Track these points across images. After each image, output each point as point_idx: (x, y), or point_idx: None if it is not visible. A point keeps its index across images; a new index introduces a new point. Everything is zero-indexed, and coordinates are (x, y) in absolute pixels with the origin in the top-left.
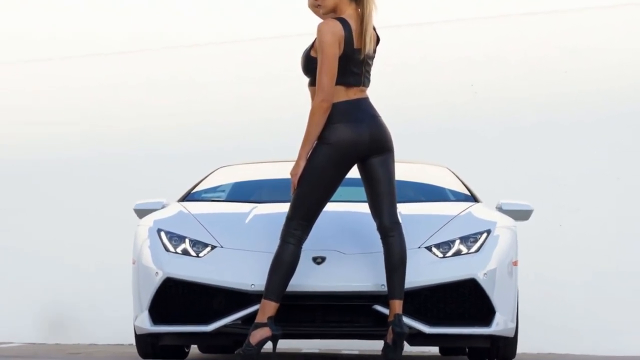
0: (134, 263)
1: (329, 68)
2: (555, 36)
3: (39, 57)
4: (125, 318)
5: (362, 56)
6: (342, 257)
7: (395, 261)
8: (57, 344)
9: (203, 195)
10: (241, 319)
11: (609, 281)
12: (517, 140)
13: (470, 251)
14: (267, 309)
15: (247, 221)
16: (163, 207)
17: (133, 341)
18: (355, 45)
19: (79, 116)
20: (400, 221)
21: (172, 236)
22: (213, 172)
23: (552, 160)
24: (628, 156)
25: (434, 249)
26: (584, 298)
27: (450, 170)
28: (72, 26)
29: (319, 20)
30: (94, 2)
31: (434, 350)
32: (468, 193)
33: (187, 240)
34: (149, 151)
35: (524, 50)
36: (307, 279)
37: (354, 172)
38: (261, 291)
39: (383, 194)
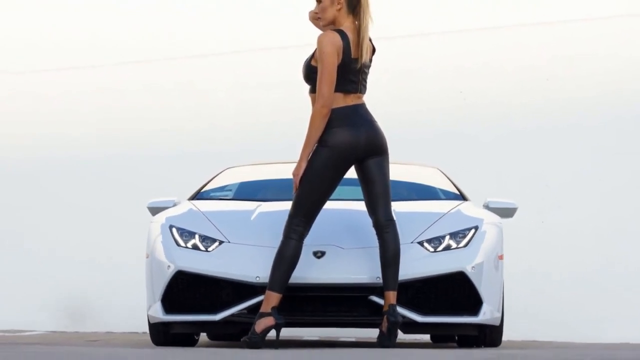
0: (147, 257)
1: (328, 76)
2: (539, 46)
3: (53, 66)
4: (139, 308)
5: (359, 65)
6: (341, 252)
7: (389, 255)
8: (76, 332)
9: (211, 194)
10: (247, 309)
11: (589, 274)
12: (505, 143)
13: (459, 246)
14: (271, 299)
15: (252, 218)
16: (174, 205)
17: (147, 329)
18: (353, 55)
19: (92, 120)
20: (395, 218)
21: (182, 232)
22: (221, 172)
23: (538, 162)
24: (610, 158)
25: (425, 244)
26: (565, 289)
27: (440, 171)
28: (83, 34)
29: (319, 31)
30: (101, 11)
31: (426, 337)
32: (457, 192)
33: (196, 236)
34: (157, 153)
35: (510, 60)
36: (308, 271)
37: (352, 173)
38: (265, 283)
39: (378, 193)
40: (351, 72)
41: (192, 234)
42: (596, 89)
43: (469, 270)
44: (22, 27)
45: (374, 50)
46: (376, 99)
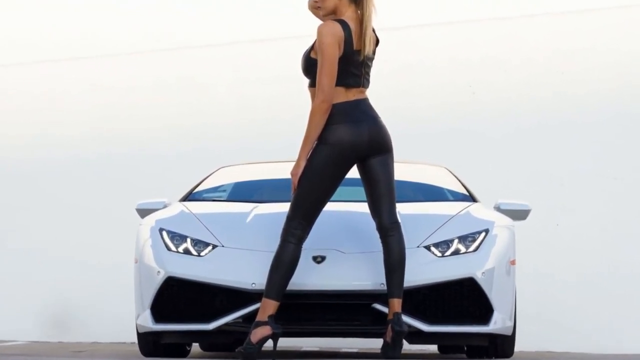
0: (136, 262)
1: (329, 69)
2: (552, 38)
3: (44, 59)
4: (127, 317)
5: (361, 57)
6: (342, 256)
7: (394, 260)
8: (60, 342)
9: (204, 195)
10: (242, 317)
11: (606, 280)
12: (515, 140)
13: (469, 250)
14: (268, 307)
15: (247, 221)
16: (165, 206)
17: (135, 339)
18: (355, 47)
19: (83, 117)
20: (400, 221)
21: (173, 235)
22: (214, 172)
23: (550, 160)
24: (624, 156)
25: (432, 248)
26: (581, 297)
27: (448, 171)
28: (77, 28)
29: (319, 22)
30: (98, 4)
31: (433, 348)
32: (466, 193)
33: (188, 240)
34: (151, 151)
35: (521, 52)
36: (307, 277)
37: (354, 172)
38: (262, 290)
39: (382, 194)
40: (353, 65)
41: (183, 238)
42: (611, 83)
43: (479, 276)
44: (19, 23)
45: (377, 42)
46: (379, 93)
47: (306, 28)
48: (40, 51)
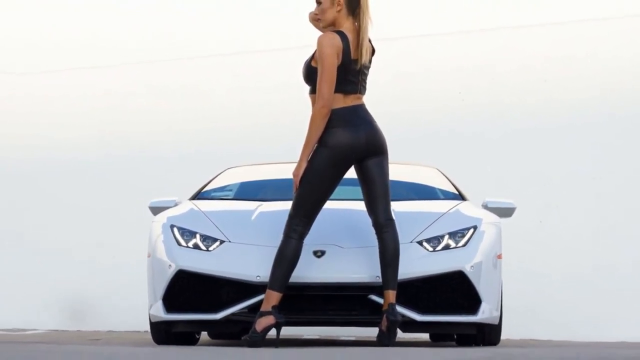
0: (149, 256)
1: (328, 77)
2: (537, 47)
3: (52, 67)
4: (140, 307)
5: (358, 66)
6: (341, 251)
7: (389, 255)
8: (78, 330)
9: (212, 194)
10: (247, 307)
11: (586, 273)
12: (503, 143)
13: (458, 245)
14: (272, 298)
15: (253, 218)
16: (175, 205)
17: (148, 328)
18: (353, 56)
19: (92, 121)
20: (394, 218)
21: (184, 231)
22: (221, 172)
23: (536, 162)
24: (605, 158)
25: (424, 244)
26: (563, 289)
27: (439, 171)
28: (82, 36)
29: (319, 32)
30: (101, 12)
31: (425, 336)
32: (456, 192)
33: (197, 236)
34: (162, 154)
35: (508, 60)
36: (308, 271)
37: (352, 173)
38: (266, 282)
39: (378, 194)
40: (351, 73)
41: (193, 234)
42: (593, 89)
43: (467, 270)
44: (22, 28)
45: (373, 51)
46: (375, 99)
47: (306, 38)
48: (49, 56)
